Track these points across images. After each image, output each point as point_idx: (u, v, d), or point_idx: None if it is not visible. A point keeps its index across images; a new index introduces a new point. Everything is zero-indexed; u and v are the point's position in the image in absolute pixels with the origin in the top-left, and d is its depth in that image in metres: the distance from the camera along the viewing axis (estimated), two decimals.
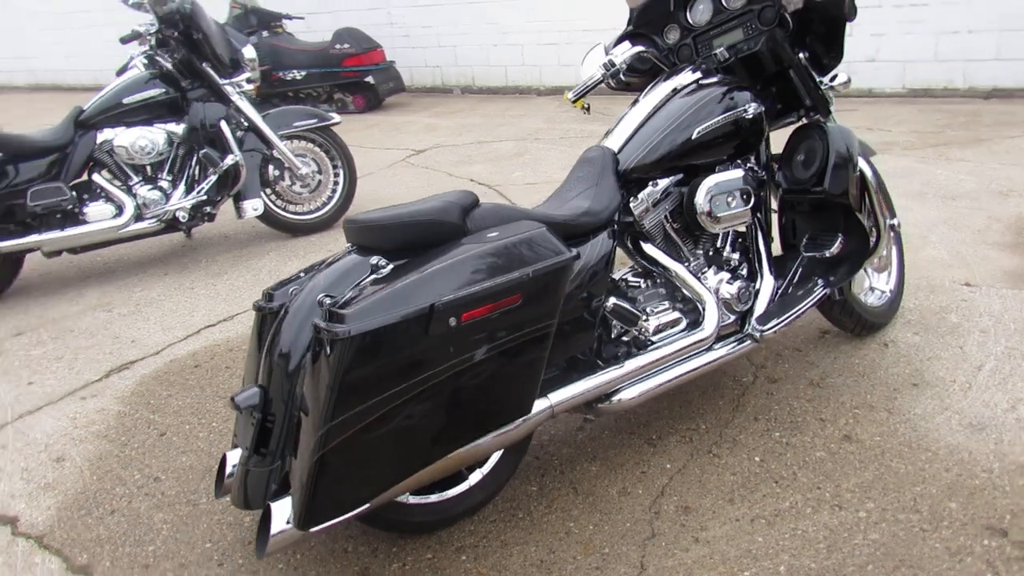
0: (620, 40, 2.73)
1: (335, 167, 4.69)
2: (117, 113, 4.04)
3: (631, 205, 2.34)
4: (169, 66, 4.15)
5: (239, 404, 1.90)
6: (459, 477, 2.17)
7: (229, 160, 4.10)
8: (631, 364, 2.23)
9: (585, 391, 2.15)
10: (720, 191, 2.34)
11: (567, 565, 2.02)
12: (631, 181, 2.35)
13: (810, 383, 2.69)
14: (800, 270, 2.56)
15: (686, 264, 2.42)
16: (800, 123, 2.58)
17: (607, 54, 2.67)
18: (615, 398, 2.22)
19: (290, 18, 8.53)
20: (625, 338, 2.27)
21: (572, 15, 7.68)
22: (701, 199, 2.32)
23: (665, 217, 2.39)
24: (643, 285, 2.42)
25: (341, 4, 9.09)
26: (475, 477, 2.18)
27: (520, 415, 1.95)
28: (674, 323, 2.36)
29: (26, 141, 3.90)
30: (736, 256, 2.51)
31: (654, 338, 2.32)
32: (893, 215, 3.00)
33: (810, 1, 2.32)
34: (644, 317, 2.30)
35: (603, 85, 2.63)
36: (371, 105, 8.25)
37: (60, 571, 2.16)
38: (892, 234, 3.02)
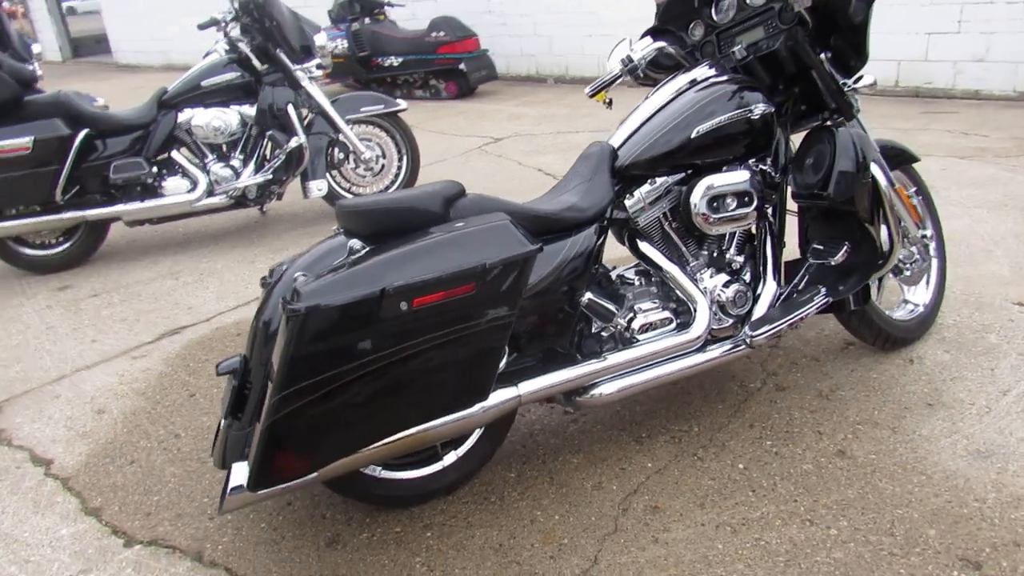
0: (644, 35, 2.71)
1: (399, 152, 4.84)
2: (196, 95, 4.32)
3: (626, 202, 2.33)
4: (247, 51, 4.39)
5: (220, 370, 2.04)
6: (434, 456, 2.25)
7: (293, 142, 4.31)
8: (610, 360, 2.24)
9: (557, 383, 2.17)
10: (718, 192, 2.30)
11: (523, 551, 2.07)
12: (629, 178, 2.35)
13: (818, 394, 2.61)
14: (807, 276, 2.48)
15: (683, 264, 2.39)
16: (815, 125, 2.49)
17: (630, 49, 2.65)
18: (593, 392, 2.24)
19: (391, 5, 8.79)
20: (606, 333, 2.27)
21: None
22: (696, 199, 2.29)
23: (664, 216, 2.37)
24: (638, 282, 2.41)
25: None
26: (450, 458, 2.25)
27: (475, 402, 2.00)
28: (663, 322, 2.34)
29: (114, 119, 4.23)
30: (740, 259, 2.45)
31: (639, 336, 2.31)
32: (929, 227, 2.86)
33: (817, 0, 2.23)
34: (622, 314, 2.30)
35: (633, 80, 2.62)
36: (463, 92, 8.40)
37: (75, 511, 2.37)
38: (932, 246, 2.87)
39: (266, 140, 4.32)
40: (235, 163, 4.39)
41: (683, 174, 2.37)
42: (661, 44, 2.58)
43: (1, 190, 3.95)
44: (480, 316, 1.90)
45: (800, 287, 2.48)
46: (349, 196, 4.71)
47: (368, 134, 4.74)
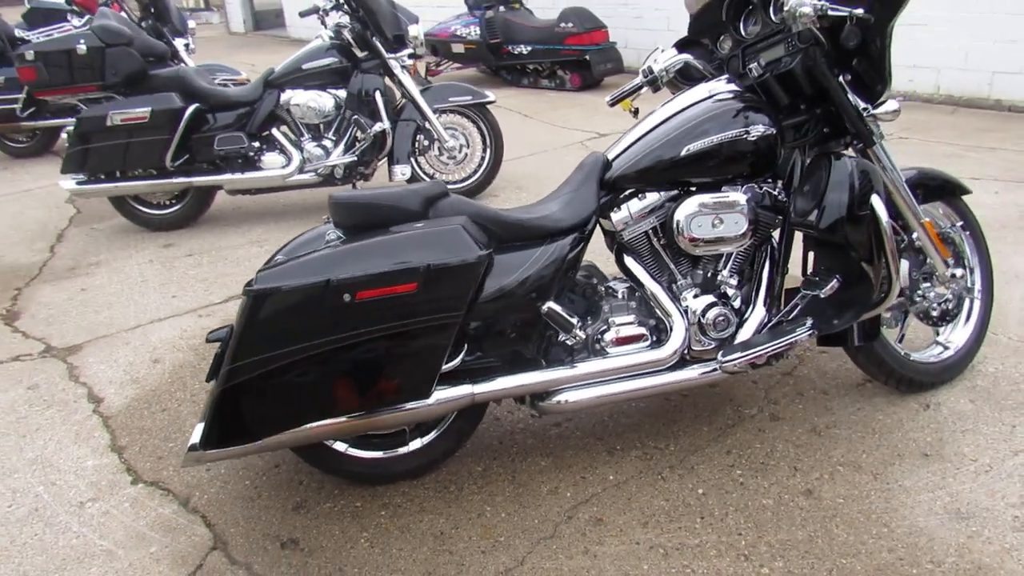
0: (674, 46, 2.68)
1: (483, 143, 4.97)
2: (298, 76, 4.63)
3: (612, 215, 2.34)
4: (349, 38, 4.66)
5: (209, 338, 2.26)
6: (402, 441, 2.38)
7: (377, 127, 4.54)
8: (575, 369, 2.27)
9: (514, 386, 2.24)
10: (705, 212, 2.26)
11: (460, 542, 2.16)
12: (619, 190, 2.35)
13: (811, 428, 2.51)
14: (798, 306, 2.38)
15: (669, 282, 2.37)
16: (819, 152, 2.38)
17: (653, 60, 2.63)
18: (557, 398, 2.28)
19: None
20: (571, 342, 2.30)
21: None
22: (681, 218, 2.26)
23: (654, 232, 2.35)
24: (621, 295, 2.42)
25: None
26: (415, 444, 2.38)
27: (417, 397, 2.10)
28: (638, 338, 2.34)
29: (224, 95, 4.62)
30: (734, 281, 2.40)
31: (610, 349, 2.33)
32: (975, 264, 2.65)
33: (824, 19, 2.12)
34: (592, 326, 2.32)
35: (653, 91, 2.61)
36: (587, 84, 8.40)
37: (104, 447, 2.70)
38: (977, 287, 2.67)
39: (352, 123, 4.57)
40: (327, 143, 4.67)
41: (676, 191, 2.34)
42: (685, 56, 2.54)
43: (122, 153, 4.43)
44: (422, 314, 2.00)
45: (790, 316, 2.38)
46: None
47: (455, 123, 4.90)
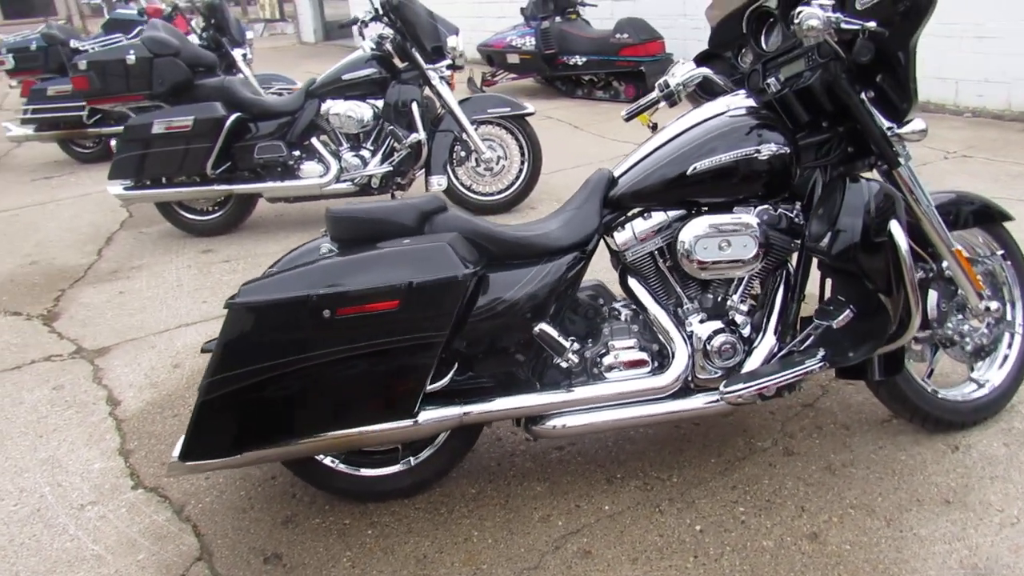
0: (695, 59, 2.58)
1: (521, 155, 4.92)
2: (338, 87, 4.67)
3: (616, 234, 2.26)
4: (390, 49, 4.68)
5: (203, 348, 2.26)
6: (393, 459, 2.34)
7: (412, 138, 4.53)
8: (570, 394, 2.19)
9: (506, 409, 2.17)
10: (713, 235, 2.15)
11: (442, 568, 2.10)
12: (624, 209, 2.27)
13: (826, 466, 2.36)
14: (811, 336, 2.25)
15: (672, 305, 2.27)
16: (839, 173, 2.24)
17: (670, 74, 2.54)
18: (551, 423, 2.21)
19: (585, 4, 8.83)
20: (565, 364, 2.21)
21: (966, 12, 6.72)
22: (686, 239, 2.16)
23: (660, 253, 2.26)
24: (624, 318, 2.33)
25: None
26: (407, 464, 2.33)
27: (401, 417, 2.05)
28: (638, 363, 2.24)
29: (266, 104, 4.70)
30: (744, 307, 2.28)
31: (608, 373, 2.24)
32: (1017, 297, 2.47)
33: (840, 32, 2.00)
34: (591, 348, 2.24)
35: (669, 106, 2.52)
36: (641, 96, 8.26)
37: (113, 450, 2.73)
38: (1019, 321, 2.48)
39: (389, 134, 4.58)
40: (364, 153, 4.69)
41: (684, 211, 2.24)
42: (703, 71, 2.43)
43: (166, 160, 4.53)
44: (404, 333, 1.95)
45: (802, 346, 2.25)
46: (468, 193, 4.89)
47: (493, 135, 4.86)
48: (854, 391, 2.72)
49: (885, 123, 2.17)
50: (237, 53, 7.00)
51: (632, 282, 2.27)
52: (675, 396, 2.24)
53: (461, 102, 4.73)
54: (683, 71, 2.43)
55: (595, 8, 9.09)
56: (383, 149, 4.67)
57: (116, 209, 5.67)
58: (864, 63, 2.02)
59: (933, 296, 2.33)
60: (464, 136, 4.71)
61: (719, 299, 2.30)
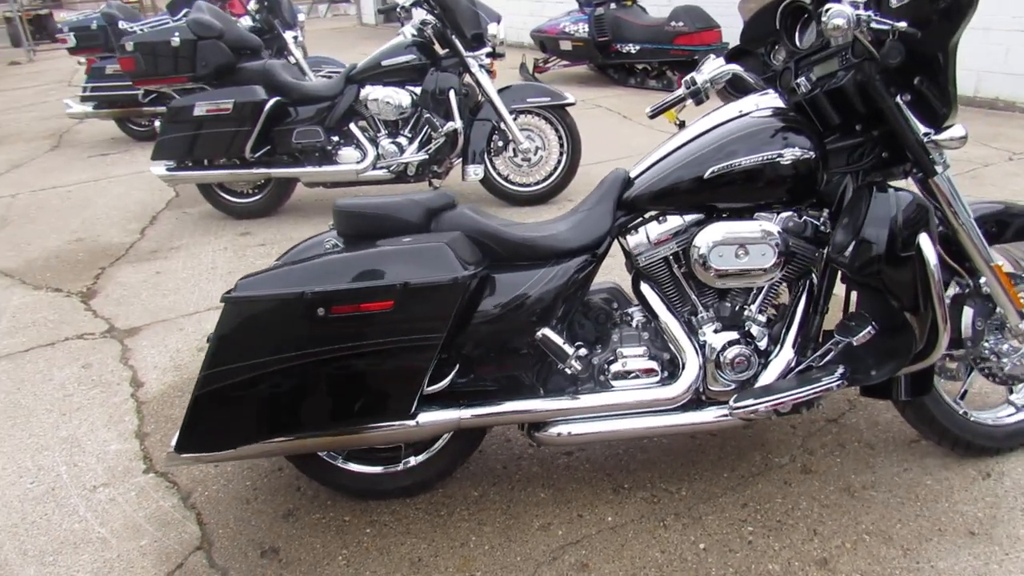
0: (725, 55, 2.46)
1: (560, 146, 4.83)
2: (377, 73, 4.64)
3: (629, 238, 2.17)
4: (430, 35, 4.63)
5: (208, 338, 2.26)
6: (396, 458, 2.31)
7: (448, 127, 4.48)
8: (573, 401, 2.13)
9: (507, 414, 2.12)
10: (729, 241, 2.05)
11: (435, 571, 2.07)
12: (639, 211, 2.18)
13: (845, 487, 2.25)
14: (831, 351, 2.13)
15: (687, 313, 2.18)
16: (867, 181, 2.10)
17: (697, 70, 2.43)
18: (554, 430, 2.15)
19: None
20: (571, 372, 2.14)
21: None
22: (701, 246, 2.07)
23: (674, 258, 2.16)
24: (636, 324, 2.24)
25: None
26: (409, 463, 2.30)
27: (396, 417, 2.01)
28: (648, 372, 2.16)
29: (306, 89, 4.70)
30: (762, 318, 2.17)
31: (615, 382, 2.16)
32: None
33: (873, 31, 1.87)
34: (599, 355, 2.17)
35: (696, 104, 2.41)
36: None
37: (130, 432, 2.77)
38: None
39: (425, 122, 4.54)
40: (402, 140, 4.67)
41: (701, 215, 2.14)
42: (733, 67, 2.32)
43: (207, 142, 4.57)
44: (399, 334, 1.91)
45: (821, 362, 2.13)
46: (504, 183, 4.83)
47: (532, 125, 4.78)
48: (883, 408, 2.59)
49: (922, 129, 2.03)
50: (288, 35, 7.03)
51: (645, 287, 2.18)
52: (685, 408, 2.15)
53: (501, 91, 4.66)
54: (711, 67, 2.32)
55: None
56: (420, 137, 4.64)
57: (164, 188, 5.77)
58: (894, 65, 1.89)
59: (968, 313, 2.19)
60: (502, 125, 4.64)
61: (737, 308, 2.20)
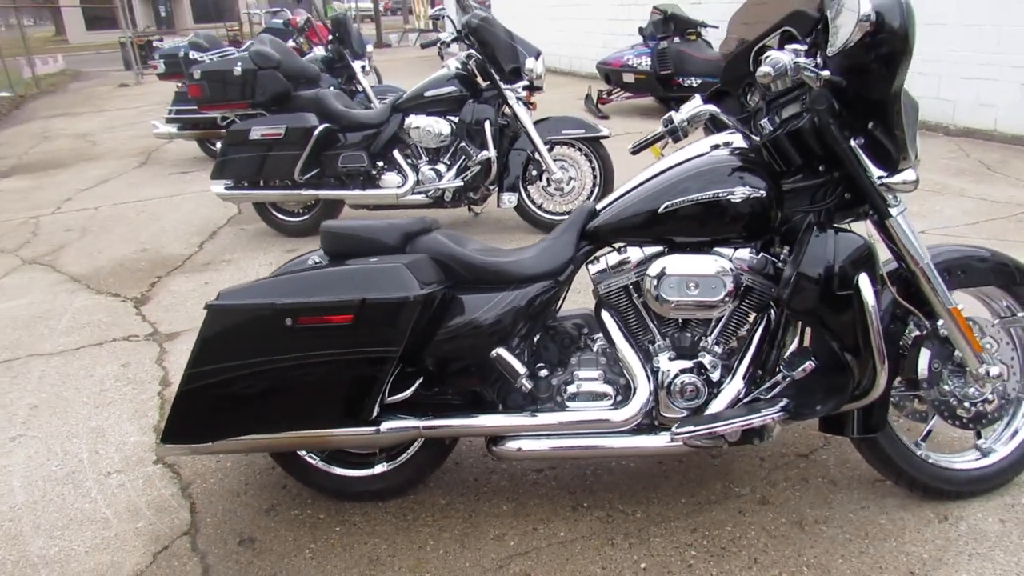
0: (706, 95, 2.56)
1: (593, 177, 4.95)
2: (420, 103, 4.89)
3: (590, 267, 2.29)
4: (473, 68, 4.86)
5: None
6: (370, 462, 2.47)
7: (482, 155, 4.68)
8: (528, 418, 2.25)
9: (465, 426, 2.26)
10: (680, 274, 2.14)
11: (389, 571, 2.21)
12: (602, 242, 2.30)
13: (797, 521, 2.28)
14: (779, 384, 2.18)
15: (645, 341, 2.28)
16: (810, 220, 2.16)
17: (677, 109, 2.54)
18: (510, 445, 2.27)
19: (705, 26, 8.69)
20: (524, 390, 2.26)
21: None
22: (653, 277, 2.17)
23: (634, 287, 2.27)
24: (595, 348, 2.35)
25: None
26: (380, 468, 2.46)
27: (357, 423, 2.17)
28: (600, 395, 2.27)
29: (354, 117, 4.98)
30: (717, 349, 2.25)
31: (570, 402, 2.27)
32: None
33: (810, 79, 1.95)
34: (558, 376, 2.29)
35: (674, 141, 2.52)
36: None
37: (149, 427, 3.03)
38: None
39: (460, 149, 4.75)
40: (440, 167, 4.89)
41: (659, 248, 2.24)
42: (709, 107, 2.42)
43: (260, 164, 4.91)
44: (358, 346, 2.08)
45: (769, 394, 2.19)
46: (538, 211, 4.99)
47: (566, 156, 4.93)
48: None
49: (876, 172, 2.09)
50: (356, 64, 7.44)
51: (604, 315, 2.29)
52: (639, 432, 2.24)
53: (538, 122, 4.83)
54: (690, 107, 2.43)
55: (716, 30, 8.92)
56: (458, 164, 4.85)
57: (228, 205, 6.15)
58: (821, 111, 1.96)
59: (926, 355, 2.20)
60: (537, 155, 4.80)
61: (696, 338, 2.28)
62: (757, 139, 2.20)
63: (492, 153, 4.69)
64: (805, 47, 2.07)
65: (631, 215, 2.21)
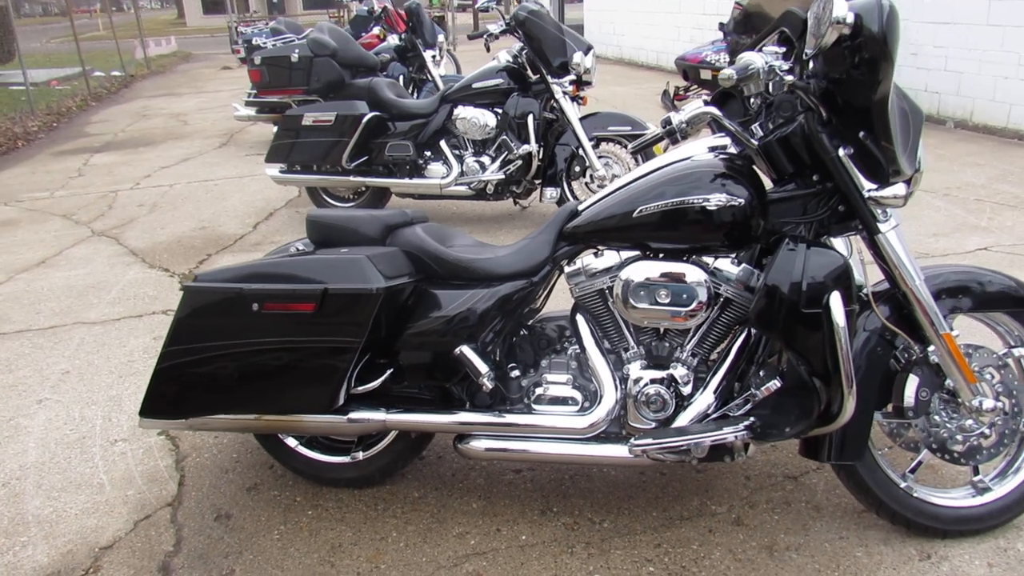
0: (710, 97, 2.47)
1: None
2: (468, 94, 4.90)
3: (566, 268, 2.25)
4: (523, 61, 4.83)
5: None
6: (347, 450, 2.51)
7: (523, 149, 4.65)
8: (493, 418, 2.23)
9: (428, 422, 2.26)
10: (652, 281, 2.07)
11: (347, 558, 2.24)
12: (581, 243, 2.25)
13: (768, 546, 2.18)
14: (749, 402, 2.08)
15: (620, 348, 2.21)
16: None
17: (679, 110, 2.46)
18: (473, 443, 2.26)
19: None
20: (486, 390, 2.23)
21: None
22: (623, 282, 2.10)
23: (609, 291, 2.21)
24: (569, 352, 2.31)
25: None
26: (357, 455, 2.48)
27: (318, 410, 2.20)
28: (566, 400, 2.22)
29: (404, 106, 5.03)
30: (692, 360, 2.17)
31: (536, 405, 2.24)
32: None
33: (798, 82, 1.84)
34: (530, 377, 2.26)
35: (672, 143, 2.45)
36: None
37: None
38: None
39: (502, 143, 4.73)
40: (485, 159, 4.89)
41: (636, 253, 2.17)
42: (709, 110, 2.32)
43: (311, 150, 5.02)
44: (320, 335, 2.11)
45: (738, 411, 2.09)
46: None
47: (611, 152, 4.84)
48: None
49: (867, 184, 1.96)
50: (427, 54, 7.51)
51: (578, 318, 2.24)
52: (603, 440, 2.19)
53: (585, 118, 4.76)
54: (690, 109, 2.34)
55: None
56: (502, 157, 4.84)
57: (291, 188, 6.33)
58: (786, 117, 1.86)
59: (914, 382, 2.06)
60: (580, 151, 4.74)
61: (674, 348, 2.21)
62: (755, 143, 2.10)
63: (533, 147, 4.66)
64: (783, 49, 1.97)
65: (607, 217, 2.15)
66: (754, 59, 1.88)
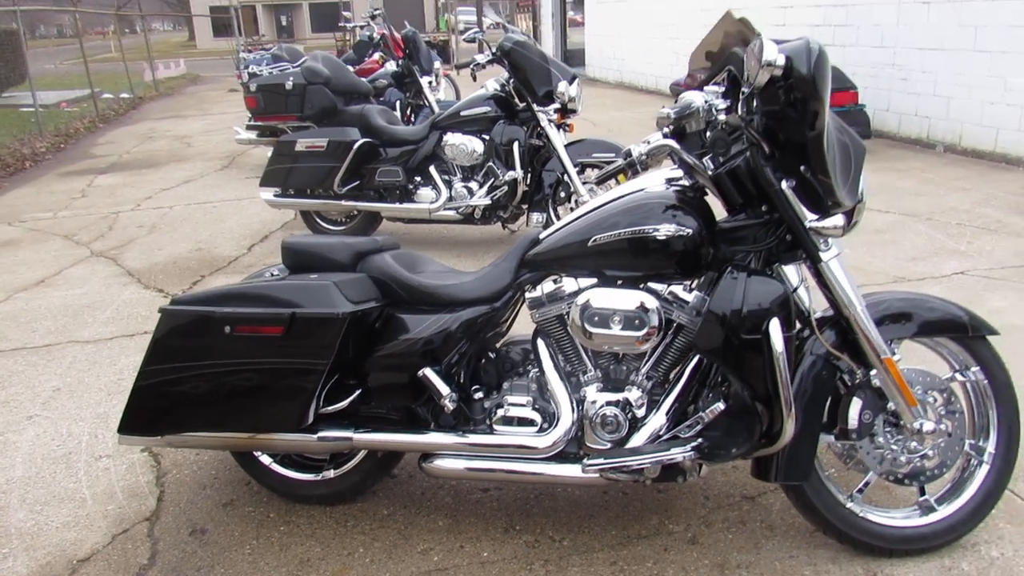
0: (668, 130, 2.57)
1: None
2: (456, 121, 5.03)
3: (527, 295, 2.34)
4: (510, 90, 4.96)
5: None
6: (319, 468, 2.59)
7: (509, 175, 4.76)
8: (455, 438, 2.31)
9: (392, 441, 2.35)
10: (602, 307, 2.16)
11: (315, 573, 2.32)
12: (541, 271, 2.34)
13: (720, 564, 2.25)
14: (698, 424, 2.16)
15: (579, 371, 2.30)
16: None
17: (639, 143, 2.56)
18: (437, 463, 2.34)
19: None
20: (447, 411, 2.32)
21: None
22: (578, 307, 2.19)
23: (567, 317, 2.30)
24: (530, 375, 2.39)
25: (848, 38, 8.62)
26: (327, 474, 2.57)
27: (288, 429, 2.29)
28: (526, 421, 2.31)
29: (395, 133, 5.16)
30: (647, 383, 2.25)
31: (497, 425, 2.32)
32: (981, 424, 2.20)
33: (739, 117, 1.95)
34: (482, 398, 2.35)
35: (633, 174, 2.55)
36: None
37: None
38: (989, 449, 2.21)
39: (487, 168, 4.85)
40: (473, 185, 5.00)
41: (594, 280, 2.26)
42: (668, 142, 2.42)
43: (304, 174, 5.15)
44: (288, 357, 2.21)
45: (687, 432, 2.17)
46: None
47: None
48: None
49: (808, 215, 2.06)
50: (424, 80, 7.66)
51: (539, 342, 2.33)
52: (564, 460, 2.27)
53: (570, 144, 4.88)
54: (651, 141, 2.45)
55: None
56: (489, 183, 4.95)
57: (287, 211, 6.46)
58: (721, 152, 1.96)
59: (857, 404, 2.14)
60: (566, 177, 4.85)
61: (628, 371, 2.29)
62: (689, 178, 2.20)
63: (519, 173, 4.77)
64: (724, 89, 2.07)
65: (565, 246, 2.25)
66: (694, 98, 1.98)
